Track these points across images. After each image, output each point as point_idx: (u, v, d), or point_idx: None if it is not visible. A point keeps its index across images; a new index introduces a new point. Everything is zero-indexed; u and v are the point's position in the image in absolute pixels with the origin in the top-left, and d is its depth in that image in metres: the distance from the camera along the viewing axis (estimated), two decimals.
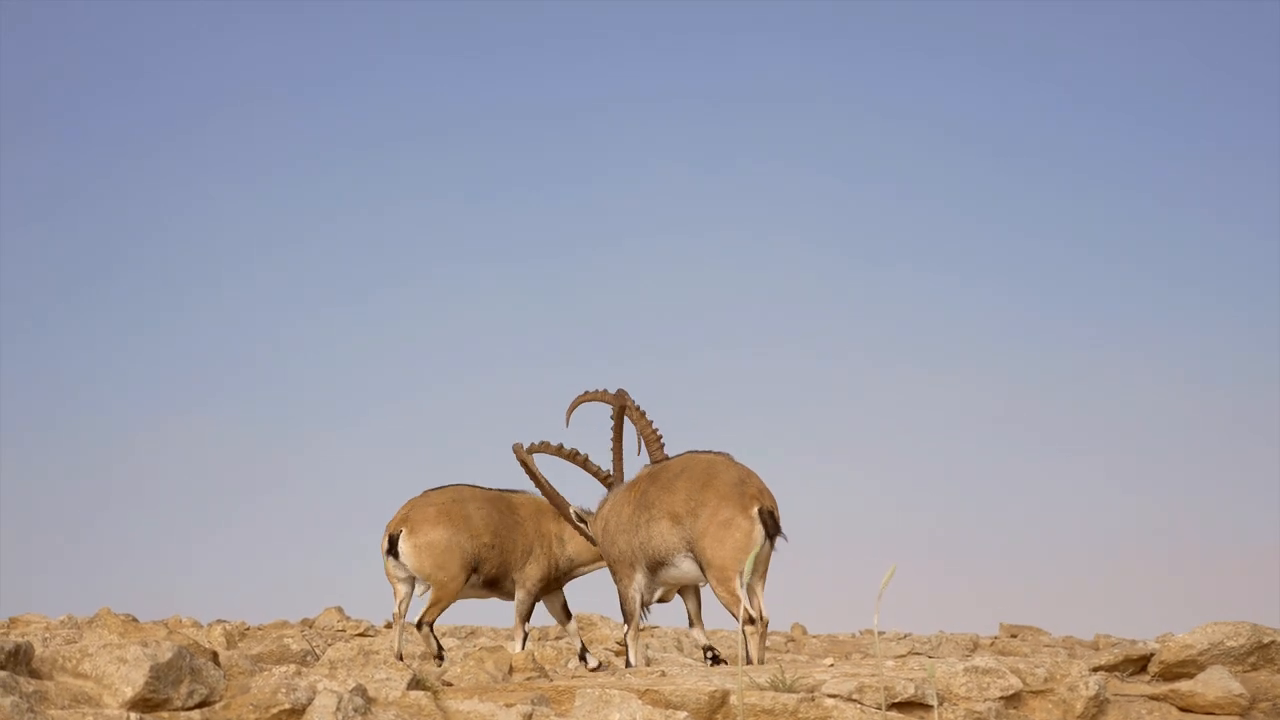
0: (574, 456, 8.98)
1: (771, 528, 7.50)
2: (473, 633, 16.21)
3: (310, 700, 5.31)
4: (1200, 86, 28.76)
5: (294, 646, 11.28)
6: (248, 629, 14.64)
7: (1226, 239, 28.76)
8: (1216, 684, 6.44)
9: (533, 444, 9.10)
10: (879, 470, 26.74)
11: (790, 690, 6.04)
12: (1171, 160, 28.79)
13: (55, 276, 27.49)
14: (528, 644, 9.26)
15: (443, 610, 9.10)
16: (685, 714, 5.61)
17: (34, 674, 5.22)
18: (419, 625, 9.03)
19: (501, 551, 9.15)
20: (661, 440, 8.44)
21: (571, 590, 9.72)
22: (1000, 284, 28.76)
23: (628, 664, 8.33)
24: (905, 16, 28.45)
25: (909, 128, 28.93)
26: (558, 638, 15.00)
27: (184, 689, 5.26)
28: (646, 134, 28.74)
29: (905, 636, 16.86)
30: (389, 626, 9.38)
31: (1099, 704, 6.39)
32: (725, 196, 29.18)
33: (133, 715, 4.77)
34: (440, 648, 9.12)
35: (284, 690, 5.32)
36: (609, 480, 8.76)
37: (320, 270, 28.63)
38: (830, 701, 5.91)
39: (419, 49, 28.54)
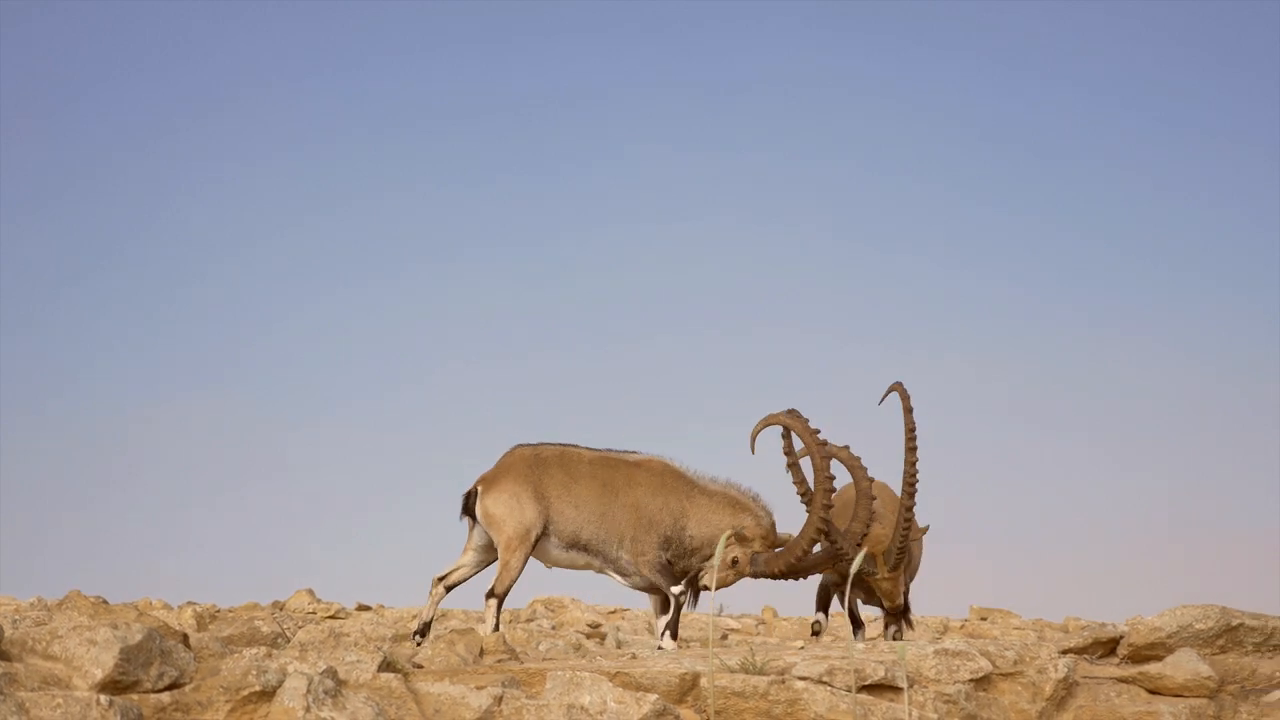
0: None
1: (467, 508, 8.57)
2: (444, 615, 16.19)
3: (280, 682, 5.29)
4: (1194, 75, 28.95)
5: (264, 629, 11.23)
6: (218, 611, 14.58)
7: (1225, 225, 28.98)
8: (1185, 666, 6.48)
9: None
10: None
11: (760, 673, 6.06)
12: (1175, 148, 28.97)
13: (32, 263, 27.29)
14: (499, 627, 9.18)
15: None
16: (655, 696, 5.61)
17: (3, 656, 5.18)
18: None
19: None
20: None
21: (551, 574, 9.74)
22: (982, 266, 28.87)
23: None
24: (910, 5, 28.53)
25: (911, 116, 29.01)
26: (528, 620, 14.99)
27: (154, 671, 5.23)
28: (643, 121, 28.76)
29: (876, 619, 16.91)
30: None
31: (1068, 686, 6.43)
32: (725, 183, 29.22)
33: (102, 697, 4.73)
34: None
35: (254, 672, 5.30)
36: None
37: (296, 261, 28.51)
38: (801, 684, 5.93)
39: (414, 40, 28.44)
